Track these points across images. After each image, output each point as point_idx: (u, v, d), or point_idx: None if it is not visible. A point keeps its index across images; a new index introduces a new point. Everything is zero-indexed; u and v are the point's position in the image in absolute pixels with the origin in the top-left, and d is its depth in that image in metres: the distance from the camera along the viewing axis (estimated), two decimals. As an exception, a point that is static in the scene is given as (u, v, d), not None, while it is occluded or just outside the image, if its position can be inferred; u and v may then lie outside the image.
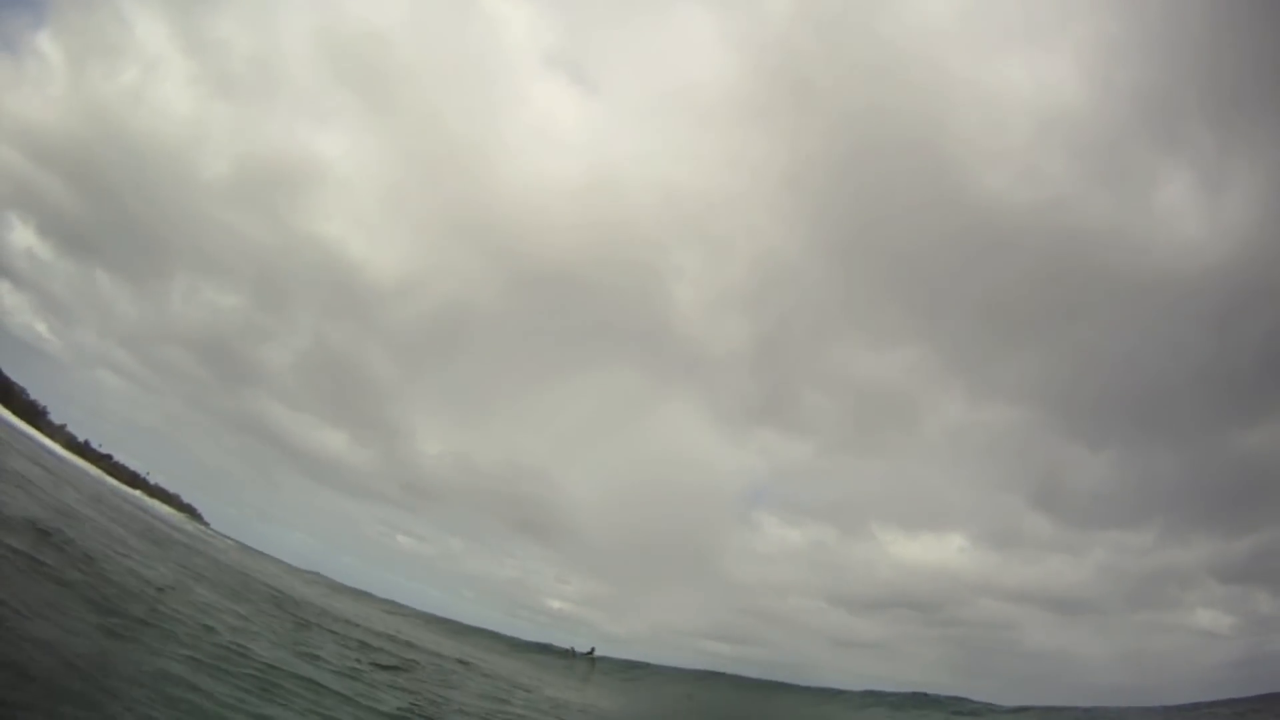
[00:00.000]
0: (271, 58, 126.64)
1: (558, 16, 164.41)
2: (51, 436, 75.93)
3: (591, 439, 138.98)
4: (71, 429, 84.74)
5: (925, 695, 43.85)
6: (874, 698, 45.69)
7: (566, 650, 54.77)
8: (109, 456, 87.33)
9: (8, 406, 69.52)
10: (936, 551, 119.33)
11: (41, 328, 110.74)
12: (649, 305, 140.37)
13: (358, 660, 19.00)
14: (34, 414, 77.94)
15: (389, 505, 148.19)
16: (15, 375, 78.60)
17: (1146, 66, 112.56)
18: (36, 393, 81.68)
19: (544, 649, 57.28)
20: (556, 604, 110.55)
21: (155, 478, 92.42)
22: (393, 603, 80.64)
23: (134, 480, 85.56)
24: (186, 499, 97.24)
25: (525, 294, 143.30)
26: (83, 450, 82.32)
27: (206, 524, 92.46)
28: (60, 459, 58.44)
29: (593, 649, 53.10)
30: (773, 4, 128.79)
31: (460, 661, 30.19)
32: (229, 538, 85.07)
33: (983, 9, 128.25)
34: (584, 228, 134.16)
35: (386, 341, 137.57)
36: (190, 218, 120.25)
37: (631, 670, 51.69)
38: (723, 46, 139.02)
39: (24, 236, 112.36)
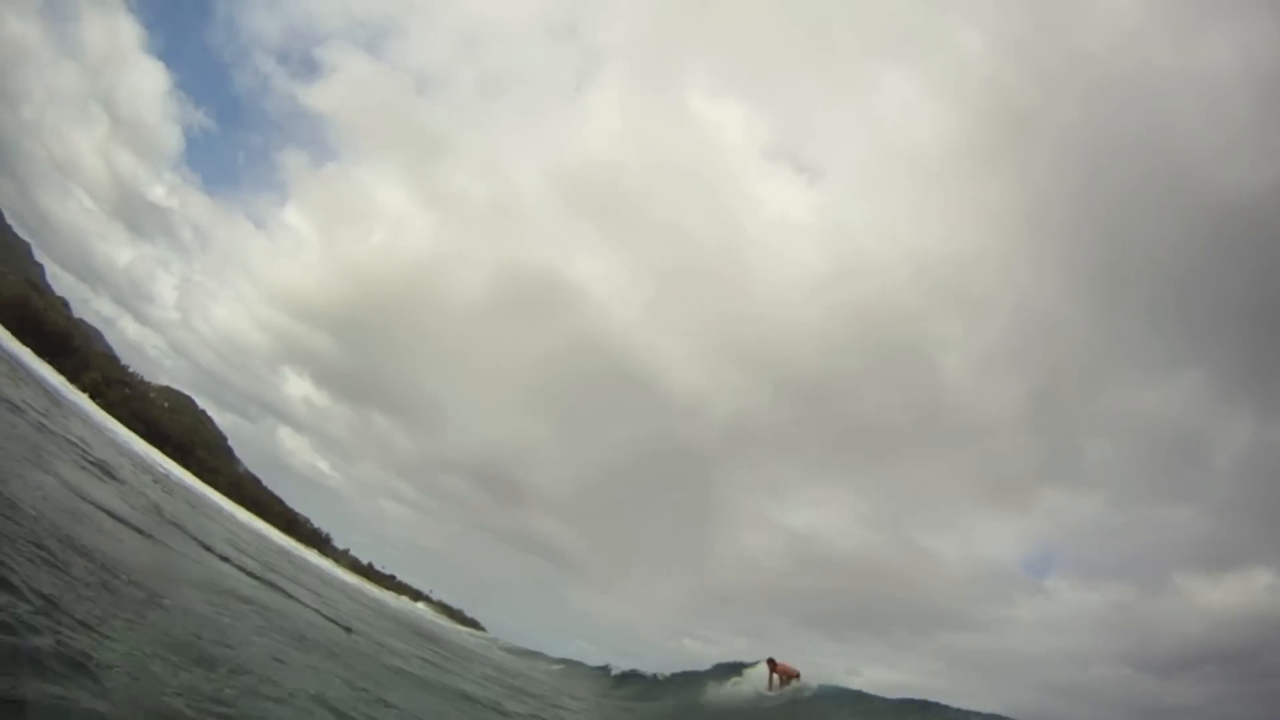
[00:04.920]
0: (508, 201, 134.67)
1: (767, 111, 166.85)
2: (336, 561, 75.27)
3: (868, 526, 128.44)
4: (355, 553, 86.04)
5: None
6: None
7: None
8: (392, 577, 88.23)
9: (292, 535, 69.02)
10: (1242, 594, 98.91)
11: (324, 465, 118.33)
12: (917, 381, 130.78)
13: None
14: (318, 541, 78.15)
15: (672, 609, 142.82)
16: (299, 507, 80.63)
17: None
18: (320, 522, 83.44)
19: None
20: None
21: (438, 594, 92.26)
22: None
23: (417, 597, 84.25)
24: (469, 614, 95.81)
25: (793, 394, 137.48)
26: (366, 572, 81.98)
27: (493, 638, 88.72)
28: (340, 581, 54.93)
29: None
30: (967, 48, 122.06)
31: None
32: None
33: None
34: (839, 312, 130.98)
35: (664, 456, 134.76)
36: (454, 357, 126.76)
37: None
38: (932, 102, 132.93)
39: (300, 387, 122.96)
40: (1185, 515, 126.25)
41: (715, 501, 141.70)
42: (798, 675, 25.48)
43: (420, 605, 79.44)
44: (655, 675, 33.77)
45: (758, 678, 26.19)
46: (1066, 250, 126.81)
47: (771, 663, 25.69)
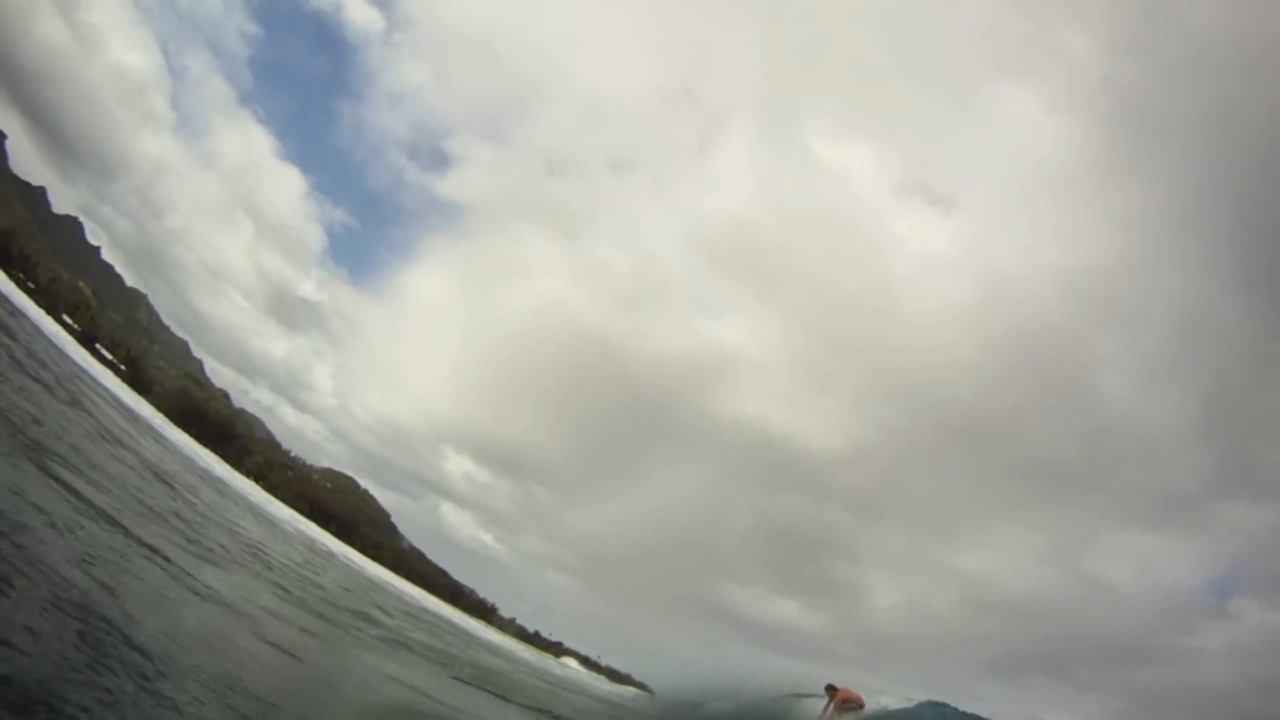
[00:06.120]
0: (649, 269, 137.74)
1: (891, 147, 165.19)
2: (502, 630, 74.47)
3: (1042, 562, 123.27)
4: (521, 621, 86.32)
5: None
6: None
7: None
8: (559, 644, 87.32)
9: (457, 605, 68.83)
10: None
11: (487, 538, 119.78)
12: (1078, 404, 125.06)
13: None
14: (484, 611, 77.79)
15: (845, 665, 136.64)
16: (464, 578, 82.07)
17: None
18: (485, 593, 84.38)
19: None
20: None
21: (606, 660, 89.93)
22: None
23: (584, 662, 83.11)
24: (638, 677, 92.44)
25: (955, 432, 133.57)
26: (533, 639, 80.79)
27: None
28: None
29: None
30: (1076, 48, 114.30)
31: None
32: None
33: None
34: (993, 341, 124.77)
35: (825, 509, 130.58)
36: (611, 425, 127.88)
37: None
38: (1053, 112, 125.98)
39: (460, 464, 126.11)
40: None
41: (881, 548, 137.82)
42: (861, 704, 22.11)
43: (572, 664, 77.45)
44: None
45: (813, 708, 23.30)
46: (1215, 244, 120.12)
47: (831, 689, 22.07)
